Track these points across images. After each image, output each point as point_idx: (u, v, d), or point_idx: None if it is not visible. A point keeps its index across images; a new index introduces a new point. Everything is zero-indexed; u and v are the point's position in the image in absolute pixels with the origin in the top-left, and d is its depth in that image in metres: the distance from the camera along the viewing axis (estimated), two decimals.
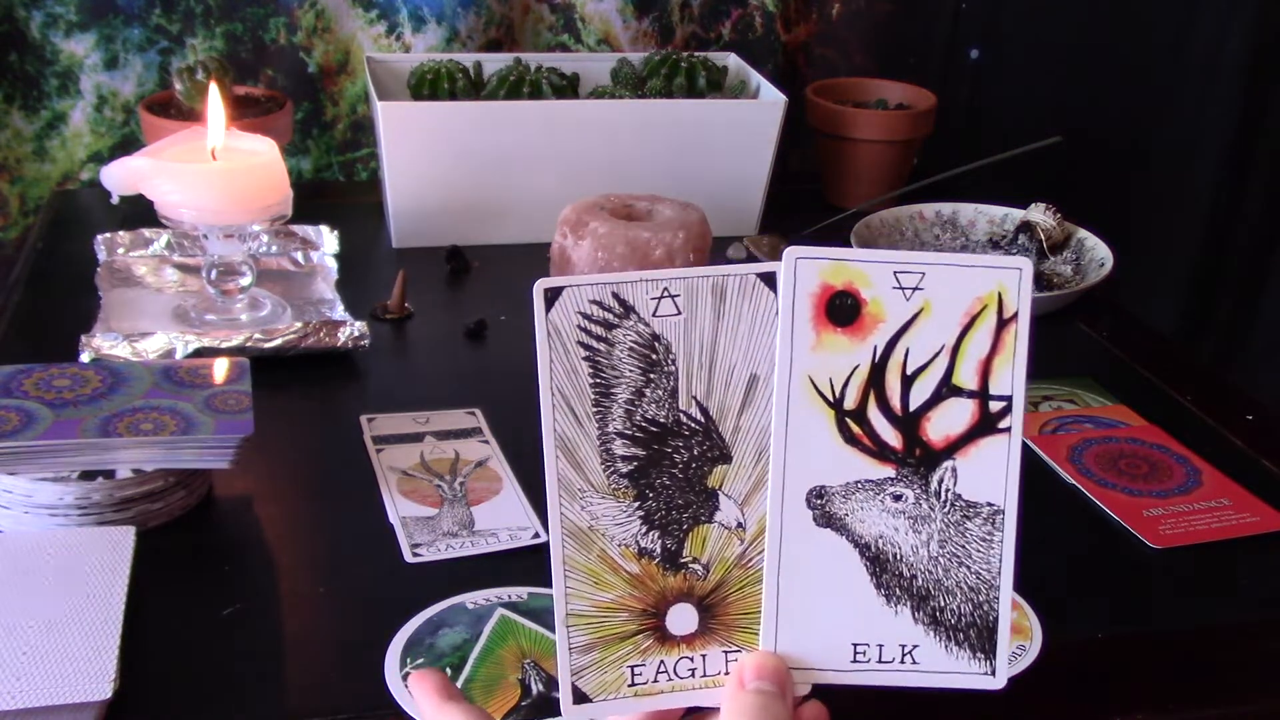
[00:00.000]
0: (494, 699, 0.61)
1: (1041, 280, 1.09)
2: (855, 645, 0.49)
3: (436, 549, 0.73)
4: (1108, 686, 0.66)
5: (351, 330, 0.93)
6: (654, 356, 0.48)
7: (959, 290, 0.49)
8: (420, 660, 0.64)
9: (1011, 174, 1.19)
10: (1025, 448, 0.86)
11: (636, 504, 0.49)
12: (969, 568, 0.50)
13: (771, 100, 1.18)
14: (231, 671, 0.64)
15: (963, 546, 0.50)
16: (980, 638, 0.50)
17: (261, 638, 0.66)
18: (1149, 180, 1.56)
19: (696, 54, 1.23)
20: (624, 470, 0.49)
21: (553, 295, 0.47)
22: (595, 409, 0.48)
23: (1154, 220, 1.56)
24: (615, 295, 0.48)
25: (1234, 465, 0.86)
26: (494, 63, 1.20)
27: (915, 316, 0.49)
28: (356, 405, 0.88)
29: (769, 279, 0.48)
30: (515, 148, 1.13)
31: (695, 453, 0.49)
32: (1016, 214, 1.17)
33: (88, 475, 0.73)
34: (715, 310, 0.48)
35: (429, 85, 1.16)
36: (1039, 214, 1.14)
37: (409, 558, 0.72)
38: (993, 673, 0.50)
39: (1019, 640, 0.68)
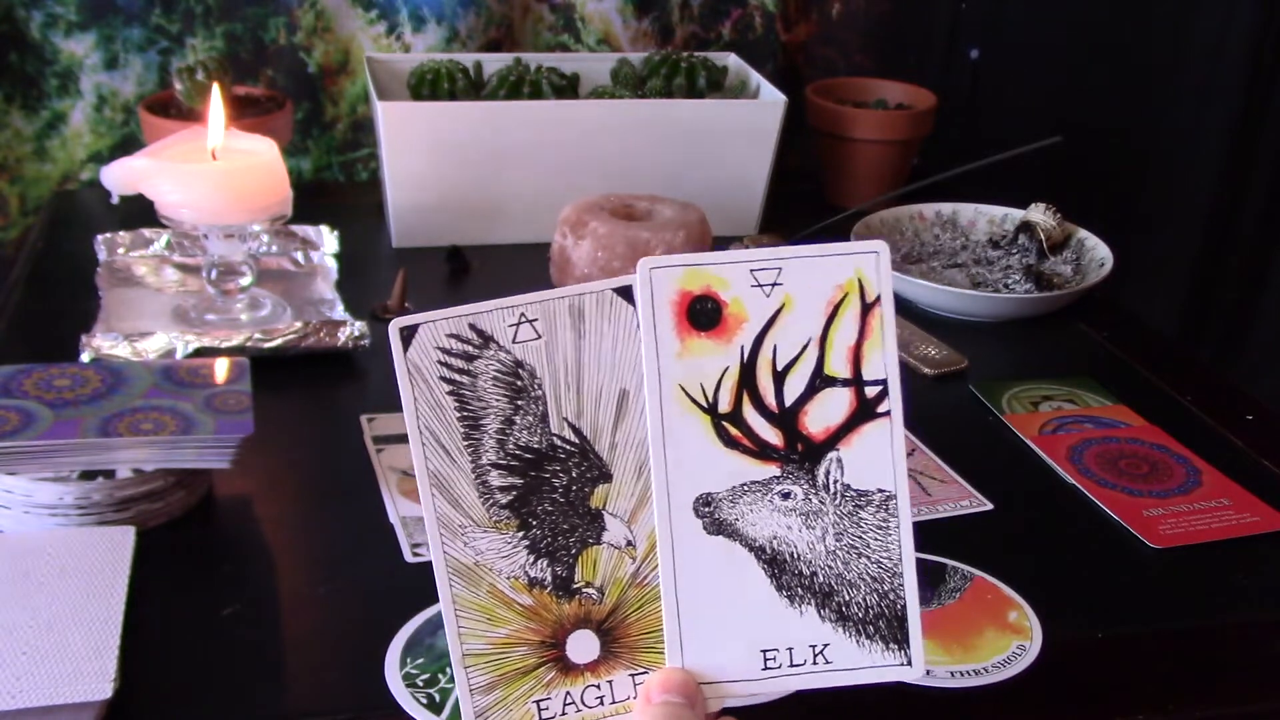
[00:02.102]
0: None
1: (1041, 280, 1.09)
2: (765, 652, 0.49)
3: None
4: (1108, 686, 0.66)
5: (351, 330, 0.93)
6: (519, 383, 0.48)
7: (818, 281, 0.48)
8: (420, 660, 0.64)
9: (1011, 174, 1.19)
10: (1026, 448, 0.87)
11: (520, 534, 0.48)
12: (869, 558, 0.49)
13: (771, 100, 1.18)
14: (231, 671, 0.64)
15: (859, 537, 0.49)
16: (891, 627, 0.49)
17: (261, 638, 0.66)
18: (1149, 180, 1.56)
19: (696, 54, 1.23)
20: (503, 501, 0.48)
21: (409, 333, 0.47)
22: (466, 442, 0.48)
23: (1154, 220, 1.56)
24: (472, 326, 0.48)
25: (1234, 465, 0.86)
26: (494, 63, 1.20)
27: (778, 312, 0.48)
28: (356, 405, 0.88)
29: (626, 293, 0.48)
30: (515, 148, 1.13)
31: (574, 475, 0.48)
32: (1016, 214, 1.17)
33: (88, 475, 0.73)
34: (575, 330, 0.48)
35: (429, 85, 1.16)
36: (1039, 214, 1.14)
37: (409, 558, 0.72)
38: (909, 662, 0.49)
39: (1019, 640, 0.68)
